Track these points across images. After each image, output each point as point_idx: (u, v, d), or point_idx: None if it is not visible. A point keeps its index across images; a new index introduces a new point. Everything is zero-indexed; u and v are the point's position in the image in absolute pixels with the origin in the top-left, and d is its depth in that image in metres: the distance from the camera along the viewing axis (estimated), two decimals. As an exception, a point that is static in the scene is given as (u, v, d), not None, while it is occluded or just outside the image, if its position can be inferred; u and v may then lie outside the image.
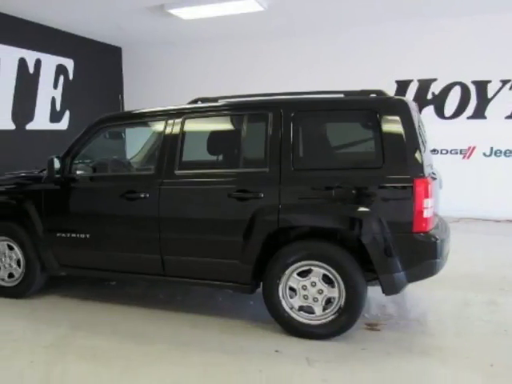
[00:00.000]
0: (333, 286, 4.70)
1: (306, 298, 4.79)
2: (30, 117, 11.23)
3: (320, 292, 4.74)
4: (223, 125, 5.65)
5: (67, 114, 12.24)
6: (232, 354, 4.61)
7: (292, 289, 4.83)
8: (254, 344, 4.79)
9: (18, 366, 4.43)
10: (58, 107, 12.00)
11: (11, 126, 10.73)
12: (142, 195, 5.27)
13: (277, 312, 4.90)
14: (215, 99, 5.56)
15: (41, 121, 11.53)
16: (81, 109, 12.34)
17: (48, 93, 11.70)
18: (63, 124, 12.18)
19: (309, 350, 4.60)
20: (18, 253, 5.97)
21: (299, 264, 4.77)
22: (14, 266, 6.02)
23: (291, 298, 4.84)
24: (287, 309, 4.85)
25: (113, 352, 4.68)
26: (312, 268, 4.74)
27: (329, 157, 5.08)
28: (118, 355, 4.61)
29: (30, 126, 11.21)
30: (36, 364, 4.46)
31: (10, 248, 6.02)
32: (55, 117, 11.96)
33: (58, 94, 11.97)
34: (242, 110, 5.34)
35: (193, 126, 5.40)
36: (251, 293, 5.12)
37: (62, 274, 6.01)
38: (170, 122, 5.35)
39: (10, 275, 6.07)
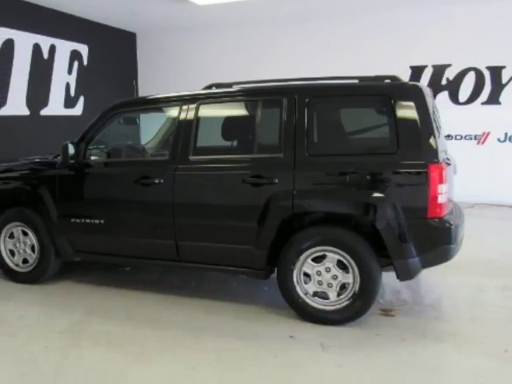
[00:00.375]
0: (347, 272, 4.69)
1: (320, 283, 4.79)
2: (44, 102, 11.26)
3: (334, 278, 4.73)
4: (237, 110, 5.64)
5: (81, 99, 12.28)
6: (246, 339, 4.62)
7: (306, 274, 4.83)
8: (268, 330, 4.80)
9: (32, 352, 4.45)
10: (72, 93, 12.04)
11: (26, 112, 10.77)
12: (157, 181, 5.27)
13: (291, 298, 4.90)
14: (229, 85, 5.53)
15: (55, 106, 11.57)
16: (95, 94, 12.37)
17: (62, 78, 11.72)
18: (77, 109, 12.22)
19: (323, 336, 4.61)
20: (32, 238, 6.00)
21: (313, 250, 4.76)
22: (29, 251, 6.05)
23: (305, 283, 4.84)
24: (301, 294, 4.86)
25: (127, 338, 4.71)
26: (326, 254, 4.74)
27: (343, 142, 5.08)
28: (132, 341, 4.64)
29: (44, 112, 11.25)
30: (50, 349, 4.49)
31: (25, 234, 6.04)
32: (69, 102, 11.99)
33: (72, 79, 12.00)
34: (257, 95, 5.32)
35: (207, 111, 5.39)
36: (265, 278, 5.13)
37: (76, 260, 6.03)
38: (185, 107, 5.34)
39: (25, 261, 6.10)
